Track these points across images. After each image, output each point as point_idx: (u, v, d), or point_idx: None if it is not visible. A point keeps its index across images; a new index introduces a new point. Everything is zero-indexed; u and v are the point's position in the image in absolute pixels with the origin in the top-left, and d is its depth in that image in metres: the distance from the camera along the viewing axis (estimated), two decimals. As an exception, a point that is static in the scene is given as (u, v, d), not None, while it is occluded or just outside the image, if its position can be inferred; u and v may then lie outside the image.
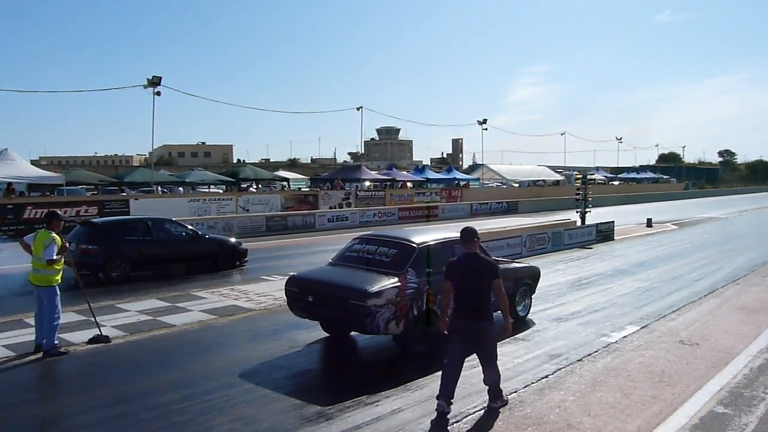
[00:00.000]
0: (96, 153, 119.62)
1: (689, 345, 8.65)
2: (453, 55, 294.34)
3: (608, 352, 8.32)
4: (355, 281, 7.82)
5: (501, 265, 9.42)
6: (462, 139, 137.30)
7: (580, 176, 26.34)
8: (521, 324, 9.78)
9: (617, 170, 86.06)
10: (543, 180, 59.43)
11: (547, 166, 66.89)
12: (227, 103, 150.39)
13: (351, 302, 7.49)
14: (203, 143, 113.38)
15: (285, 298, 8.84)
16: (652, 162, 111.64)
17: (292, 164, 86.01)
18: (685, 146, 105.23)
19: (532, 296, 10.73)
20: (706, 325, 9.87)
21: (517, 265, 10.95)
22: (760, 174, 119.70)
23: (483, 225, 25.77)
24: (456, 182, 51.40)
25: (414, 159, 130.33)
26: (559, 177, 62.70)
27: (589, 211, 24.10)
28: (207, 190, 37.50)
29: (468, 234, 6.18)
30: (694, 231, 26.92)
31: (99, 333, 8.77)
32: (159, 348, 8.66)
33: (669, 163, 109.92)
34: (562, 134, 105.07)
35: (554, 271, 15.42)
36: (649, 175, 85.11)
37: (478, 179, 56.97)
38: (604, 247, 20.73)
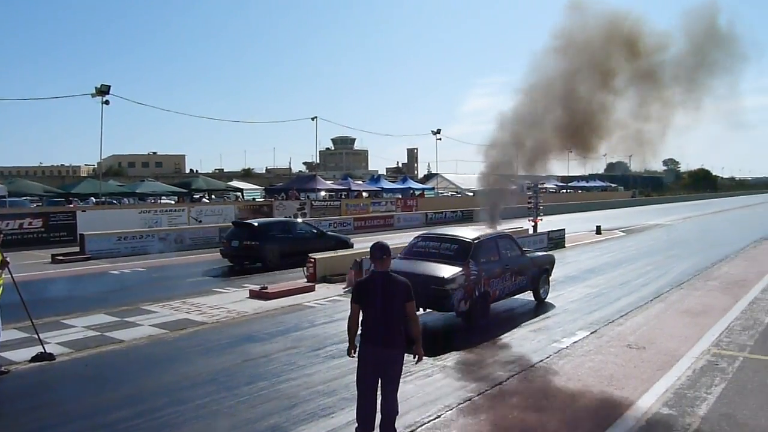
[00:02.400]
0: (41, 163, 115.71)
1: (636, 349, 8.89)
2: (408, 65, 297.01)
3: (560, 357, 8.49)
4: (433, 270, 9.83)
5: (528, 255, 12.29)
6: (417, 148, 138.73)
7: (532, 185, 26.87)
8: (481, 331, 9.89)
9: (568, 179, 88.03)
10: (496, 189, 60.29)
11: (500, 176, 67.93)
12: (179, 113, 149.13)
13: (432, 287, 9.41)
14: (154, 153, 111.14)
15: None
16: (601, 171, 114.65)
17: (247, 174, 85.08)
18: (631, 156, 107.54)
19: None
20: (653, 329, 10.18)
21: (538, 254, 13.12)
22: (702, 182, 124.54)
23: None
24: (411, 192, 51.76)
25: (370, 169, 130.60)
26: (513, 186, 63.70)
27: (541, 219, 24.59)
28: (158, 201, 36.72)
29: (378, 251, 5.39)
30: (641, 237, 27.75)
31: (43, 350, 8.45)
32: (107, 364, 8.40)
33: (616, 172, 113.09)
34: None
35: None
36: (598, 183, 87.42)
37: (433, 188, 57.52)
38: (555, 254, 21.03)
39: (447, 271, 9.79)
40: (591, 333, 9.87)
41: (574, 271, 16.96)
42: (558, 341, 9.34)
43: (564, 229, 24.08)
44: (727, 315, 11.17)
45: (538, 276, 12.31)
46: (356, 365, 5.42)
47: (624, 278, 15.66)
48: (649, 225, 35.56)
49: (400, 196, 47.02)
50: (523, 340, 9.44)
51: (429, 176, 68.35)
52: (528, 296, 12.54)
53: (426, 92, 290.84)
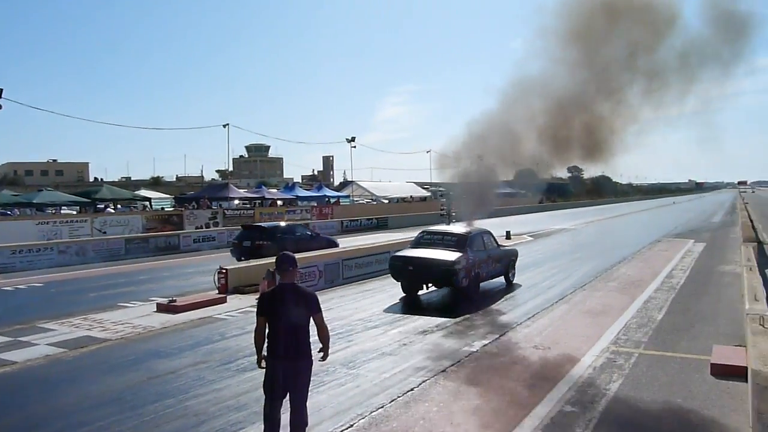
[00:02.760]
0: None
1: (542, 349, 9.25)
2: (324, 73, 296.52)
3: (470, 361, 8.70)
4: (442, 255, 13.02)
5: (501, 248, 15.76)
6: (333, 156, 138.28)
7: (443, 192, 27.51)
8: (394, 340, 9.98)
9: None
10: (411, 196, 61.26)
11: (414, 183, 69.12)
12: (82, 119, 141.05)
13: (443, 268, 12.73)
14: (54, 160, 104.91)
15: (389, 269, 13.95)
16: (511, 177, 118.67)
17: (156, 183, 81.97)
18: (538, 164, 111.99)
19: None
20: (557, 329, 10.63)
21: (507, 247, 17.01)
22: (604, 188, 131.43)
23: (354, 241, 26.08)
24: (326, 199, 51.62)
25: (285, 176, 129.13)
26: (426, 193, 64.95)
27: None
28: (58, 211, 34.69)
29: (284, 262, 5.39)
30: (547, 242, 28.94)
31: None
32: (-3, 388, 7.84)
33: (525, 179, 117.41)
34: (428, 152, 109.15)
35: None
36: (508, 190, 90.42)
37: (348, 196, 57.61)
38: (467, 259, 21.64)
39: (453, 256, 13.03)
40: (500, 335, 10.18)
41: (484, 276, 17.41)
42: (469, 345, 9.57)
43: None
44: (624, 314, 11.83)
45: (508, 264, 15.87)
46: (264, 380, 5.33)
47: (531, 281, 16.26)
48: (555, 230, 37.13)
49: (315, 204, 46.80)
50: (436, 345, 9.60)
51: (345, 184, 68.40)
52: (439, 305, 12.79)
53: (342, 100, 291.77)
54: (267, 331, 5.28)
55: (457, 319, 11.51)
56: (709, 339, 9.64)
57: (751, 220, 36.91)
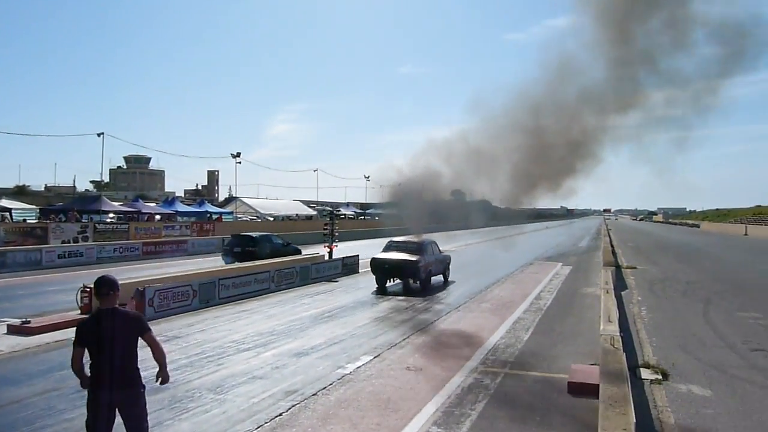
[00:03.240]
0: None
1: (414, 371, 9.39)
2: (212, 86, 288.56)
3: (342, 383, 8.65)
4: (407, 257, 18.26)
5: (441, 254, 20.94)
6: (218, 171, 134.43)
7: (328, 211, 27.47)
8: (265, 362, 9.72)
9: (366, 206, 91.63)
10: (296, 214, 60.76)
11: (300, 201, 68.71)
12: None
13: (409, 266, 17.87)
14: None
15: (370, 266, 19.24)
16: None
17: (20, 192, 75.50)
18: (423, 185, 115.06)
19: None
20: (430, 350, 10.84)
21: (444, 254, 21.53)
22: (484, 211, 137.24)
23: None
24: (208, 215, 49.98)
25: (167, 190, 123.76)
26: (311, 212, 64.71)
27: (337, 246, 25.13)
28: None
29: (103, 286, 4.90)
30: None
31: None
32: None
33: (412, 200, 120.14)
34: (315, 170, 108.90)
35: (299, 306, 15.71)
36: (394, 211, 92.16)
37: (231, 213, 56.13)
38: (349, 280, 21.74)
39: (414, 257, 18.56)
40: (374, 357, 10.23)
41: (365, 297, 17.52)
42: (342, 367, 9.52)
43: (358, 255, 24.87)
44: (494, 334, 12.31)
45: (446, 266, 21.51)
46: (87, 416, 4.89)
47: (409, 302, 16.53)
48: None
49: (196, 220, 45.16)
50: (309, 368, 9.47)
51: (229, 200, 66.66)
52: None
53: (230, 114, 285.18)
54: (88, 361, 4.86)
55: (334, 341, 11.45)
56: (569, 358, 10.22)
57: (612, 245, 39.95)
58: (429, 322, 13.53)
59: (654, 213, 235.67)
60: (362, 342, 11.46)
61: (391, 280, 19.48)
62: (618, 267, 26.56)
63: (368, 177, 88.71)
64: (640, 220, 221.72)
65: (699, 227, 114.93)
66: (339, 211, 67.65)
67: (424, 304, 16.33)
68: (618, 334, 9.34)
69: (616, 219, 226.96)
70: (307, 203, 70.60)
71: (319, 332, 12.33)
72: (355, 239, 43.23)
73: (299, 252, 26.20)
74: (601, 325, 10.17)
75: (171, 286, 14.37)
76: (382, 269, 18.97)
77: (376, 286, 19.18)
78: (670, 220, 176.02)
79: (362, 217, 77.61)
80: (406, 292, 18.46)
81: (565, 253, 37.82)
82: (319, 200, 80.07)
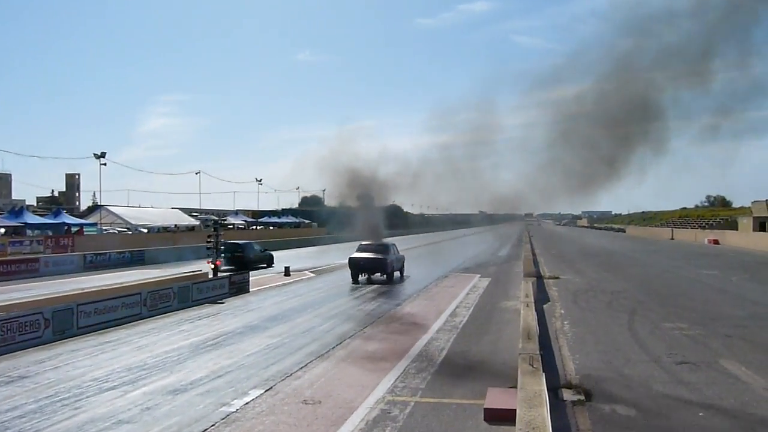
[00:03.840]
0: None
1: (312, 404, 9.32)
2: (70, 75, 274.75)
3: (226, 424, 8.44)
4: (378, 255, 27.03)
5: (400, 254, 30.34)
6: (79, 174, 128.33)
7: (215, 220, 26.85)
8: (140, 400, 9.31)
9: (259, 214, 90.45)
10: (176, 225, 59.03)
11: (181, 209, 66.81)
12: None
13: (380, 262, 26.88)
14: None
15: (348, 264, 27.39)
16: (295, 205, 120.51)
17: None
18: (325, 189, 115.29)
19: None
20: (331, 380, 10.81)
21: (401, 254, 29.89)
22: (394, 218, 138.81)
23: (100, 280, 24.28)
24: (66, 228, 47.53)
25: (14, 198, 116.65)
26: (194, 221, 63.10)
27: (222, 261, 24.64)
28: None
29: None
30: (331, 278, 29.66)
31: None
32: None
33: (312, 207, 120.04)
34: (197, 173, 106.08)
35: (178, 333, 15.27)
36: (291, 219, 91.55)
37: (95, 224, 53.65)
38: (237, 300, 21.35)
39: (383, 255, 26.66)
40: (266, 391, 10.06)
41: (255, 320, 17.28)
42: (227, 404, 9.30)
43: (248, 272, 24.47)
44: (404, 358, 12.45)
45: (402, 264, 29.85)
46: None
47: (309, 324, 16.46)
48: (341, 264, 38.19)
49: (51, 234, 42.85)
50: (188, 407, 9.17)
51: (93, 209, 63.76)
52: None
53: (93, 107, 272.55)
54: None
55: (219, 373, 11.18)
56: (486, 381, 10.48)
57: (534, 254, 41.51)
58: (330, 347, 13.49)
59: (578, 217, 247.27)
60: (252, 373, 11.25)
61: (362, 275, 27.78)
62: (540, 277, 27.62)
63: (260, 180, 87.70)
64: (564, 224, 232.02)
65: (625, 232, 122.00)
66: (226, 220, 66.46)
67: (326, 326, 16.29)
68: (538, 352, 9.67)
69: (539, 224, 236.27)
70: (189, 211, 68.69)
71: (201, 364, 12.01)
72: (280, 249, 42.64)
73: (272, 258, 37.39)
74: (520, 343, 10.50)
75: (16, 315, 13.52)
76: (357, 266, 27.28)
77: (351, 280, 27.28)
78: (595, 225, 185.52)
79: (253, 227, 76.55)
80: (307, 310, 18.38)
81: (483, 263, 38.89)
82: (203, 208, 78.14)
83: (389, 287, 25.43)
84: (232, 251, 33.09)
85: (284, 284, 26.59)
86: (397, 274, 28.94)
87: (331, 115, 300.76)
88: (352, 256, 27.42)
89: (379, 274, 27.54)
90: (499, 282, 27.39)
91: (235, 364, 11.94)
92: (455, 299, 21.42)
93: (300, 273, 30.95)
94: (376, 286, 25.83)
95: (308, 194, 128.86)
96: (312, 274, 31.02)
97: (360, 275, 27.41)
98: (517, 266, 34.28)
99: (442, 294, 23.10)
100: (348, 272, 27.43)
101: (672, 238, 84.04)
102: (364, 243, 28.13)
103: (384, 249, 27.62)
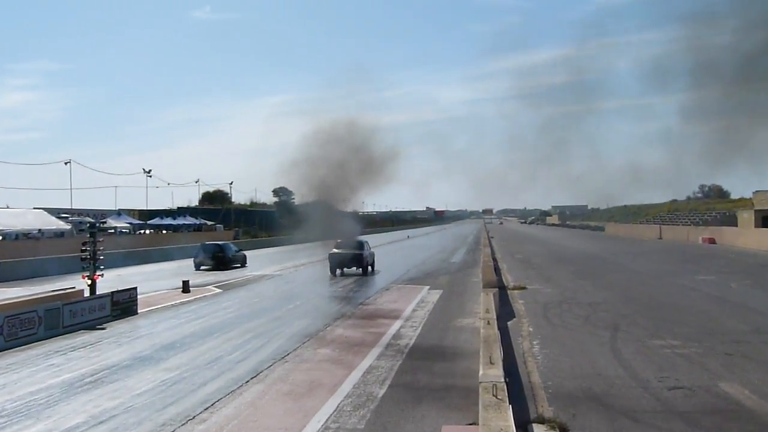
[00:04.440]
0: None
1: (222, 454, 9.25)
2: None
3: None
4: (355, 251, 38.68)
5: (371, 250, 42.58)
6: None
7: (91, 224, 26.31)
8: None
9: (149, 214, 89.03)
10: (40, 230, 57.55)
11: (46, 210, 65.11)
12: None
13: (357, 256, 38.40)
14: None
15: (329, 259, 38.15)
16: (195, 203, 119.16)
17: None
18: (233, 182, 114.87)
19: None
20: (245, 422, 10.76)
21: (372, 250, 41.58)
22: (326, 218, 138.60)
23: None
24: None
25: None
26: (64, 225, 61.66)
27: (102, 275, 24.09)
28: None
29: None
30: (241, 294, 29.51)
31: None
32: None
33: (215, 205, 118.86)
34: (67, 163, 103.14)
35: (46, 369, 14.95)
36: (190, 221, 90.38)
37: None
38: (123, 325, 21.03)
39: (360, 251, 38.26)
40: (163, 439, 9.95)
41: (147, 349, 17.06)
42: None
43: (136, 288, 24.12)
44: (337, 392, 12.49)
45: (373, 259, 41.18)
46: None
47: (215, 353, 16.32)
48: (253, 276, 38.04)
49: None
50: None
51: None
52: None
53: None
54: None
55: (101, 419, 10.99)
56: (439, 418, 10.63)
57: (494, 259, 42.22)
58: (243, 381, 13.43)
59: (548, 213, 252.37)
60: (143, 417, 11.10)
61: (340, 271, 38.08)
62: (503, 288, 28.09)
63: (149, 172, 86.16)
64: (531, 223, 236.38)
65: (604, 230, 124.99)
66: (105, 222, 65.15)
67: (238, 354, 16.19)
68: (503, 380, 9.83)
69: (501, 223, 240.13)
70: (57, 212, 66.97)
71: (77, 407, 11.80)
72: (132, 264, 41.93)
73: (245, 259, 49.76)
74: (480, 370, 10.65)
75: None
76: (338, 260, 37.62)
77: (330, 273, 37.53)
78: (568, 223, 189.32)
79: (142, 231, 75.27)
80: (213, 334, 18.22)
81: (432, 271, 39.35)
82: (75, 207, 76.20)
83: (316, 304, 25.46)
84: (213, 252, 46.35)
85: (182, 303, 26.29)
86: (369, 268, 39.99)
87: (239, 87, 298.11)
88: (332, 252, 37.98)
89: (355, 267, 38.38)
90: (452, 294, 27.76)
91: (121, 406, 11.76)
92: (399, 318, 21.58)
93: (202, 288, 30.66)
94: (299, 302, 25.86)
95: (211, 188, 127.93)
96: (217, 290, 30.82)
97: (338, 269, 38.29)
98: (475, 275, 34.81)
99: (382, 311, 23.24)
100: (263, 287, 27.38)
101: (660, 237, 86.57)
102: (341, 241, 38.03)
103: (360, 245, 38.90)
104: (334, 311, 23.07)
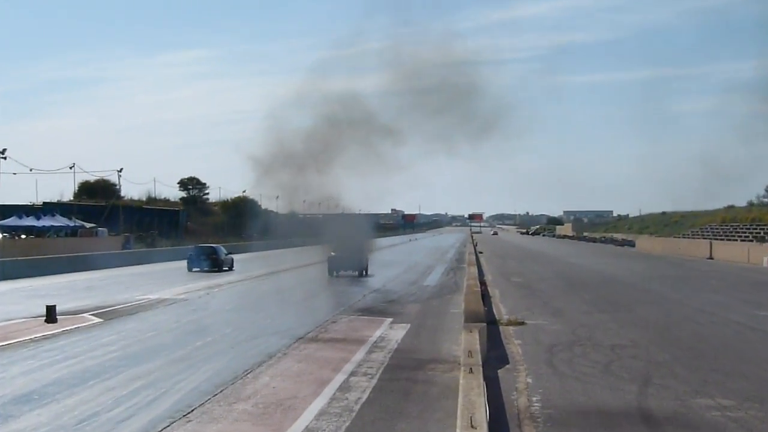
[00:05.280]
0: None
1: None
2: None
3: None
4: (354, 255, 59.87)
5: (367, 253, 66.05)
6: None
7: None
8: None
9: (2, 211, 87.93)
10: None
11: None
12: None
13: (359, 260, 60.28)
14: None
15: (328, 263, 57.97)
16: (69, 196, 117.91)
17: None
18: (122, 169, 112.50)
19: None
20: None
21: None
22: (248, 218, 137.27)
23: None
24: None
25: None
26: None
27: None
28: None
29: None
30: (129, 326, 29.15)
31: None
32: None
33: (98, 200, 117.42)
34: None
35: None
36: (61, 221, 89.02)
37: None
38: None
39: (359, 255, 59.79)
40: None
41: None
42: None
43: None
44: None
45: (368, 262, 62.46)
46: None
47: (90, 409, 16.09)
48: (148, 301, 37.60)
49: None
50: None
51: None
52: None
53: None
54: None
55: None
56: None
57: (483, 283, 42.09)
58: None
59: (557, 221, 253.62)
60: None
61: (335, 273, 55.65)
62: (493, 323, 28.00)
63: (3, 152, 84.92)
64: (534, 233, 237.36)
65: (634, 246, 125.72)
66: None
67: (122, 410, 15.97)
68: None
69: (495, 233, 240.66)
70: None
71: None
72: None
73: (233, 262, 69.37)
74: (458, 434, 10.57)
75: None
76: (336, 263, 55.81)
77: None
78: (585, 234, 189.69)
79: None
80: (87, 382, 17.98)
81: (397, 299, 39.26)
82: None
83: (229, 343, 25.24)
84: (208, 254, 66.44)
85: (45, 338, 25.95)
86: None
87: (135, 38, 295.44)
88: (331, 255, 56.09)
89: (351, 270, 56.36)
90: (423, 330, 27.74)
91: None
92: (348, 361, 21.42)
93: (75, 317, 30.30)
94: (210, 339, 25.63)
95: (93, 177, 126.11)
96: (96, 319, 30.44)
97: (334, 272, 56.00)
98: (455, 303, 34.73)
99: (325, 352, 23.07)
100: (161, 316, 27.34)
101: (711, 257, 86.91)
102: (337, 245, 55.76)
103: (358, 249, 57.56)
104: (258, 350, 22.82)
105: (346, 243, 56.85)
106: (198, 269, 64.73)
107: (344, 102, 47.71)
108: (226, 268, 66.67)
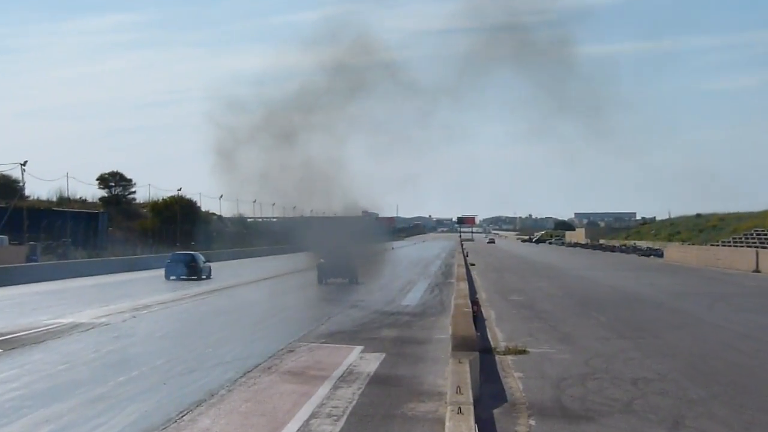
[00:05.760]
0: None
1: None
2: None
3: None
4: (344, 262, 76.97)
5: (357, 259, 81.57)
6: None
7: None
8: None
9: None
10: None
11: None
12: None
13: (346, 268, 76.32)
14: None
15: (318, 269, 72.76)
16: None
17: None
18: (26, 162, 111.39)
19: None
20: None
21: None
22: (185, 219, 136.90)
23: None
24: None
25: None
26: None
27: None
28: None
29: None
30: (35, 358, 28.97)
31: None
32: None
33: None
34: None
35: None
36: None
37: None
38: None
39: (349, 262, 75.11)
40: None
41: None
42: None
43: None
44: None
45: (357, 268, 77.27)
46: None
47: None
48: (59, 326, 37.41)
49: None
50: None
51: None
52: None
53: None
54: None
55: None
56: None
57: (475, 302, 42.11)
58: None
59: (568, 225, 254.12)
60: None
61: (325, 281, 68.26)
62: (487, 351, 27.99)
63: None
64: (539, 241, 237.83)
65: (662, 256, 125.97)
66: None
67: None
68: None
69: (491, 241, 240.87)
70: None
71: None
72: None
73: (211, 271, 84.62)
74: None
75: None
76: (326, 270, 68.64)
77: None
78: (602, 242, 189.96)
79: None
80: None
81: (369, 321, 39.26)
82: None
83: (161, 378, 25.18)
84: (187, 261, 79.44)
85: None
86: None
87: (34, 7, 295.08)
88: (321, 262, 66.13)
89: (341, 278, 66.49)
90: (401, 360, 27.69)
91: None
92: (310, 398, 21.35)
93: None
94: (136, 373, 25.50)
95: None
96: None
97: (324, 279, 66.50)
98: (441, 327, 34.74)
99: (281, 387, 23.00)
100: (75, 345, 27.29)
101: (757, 270, 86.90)
102: (327, 252, 63.94)
103: (348, 256, 65.62)
104: (198, 386, 22.74)
105: (336, 249, 66.55)
106: (175, 277, 77.56)
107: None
108: (204, 276, 79.89)
